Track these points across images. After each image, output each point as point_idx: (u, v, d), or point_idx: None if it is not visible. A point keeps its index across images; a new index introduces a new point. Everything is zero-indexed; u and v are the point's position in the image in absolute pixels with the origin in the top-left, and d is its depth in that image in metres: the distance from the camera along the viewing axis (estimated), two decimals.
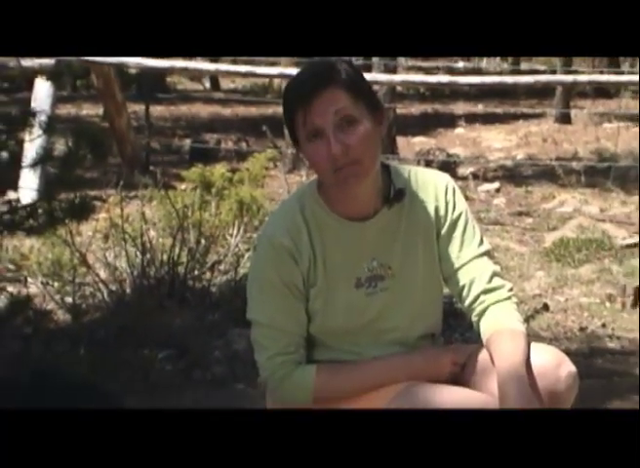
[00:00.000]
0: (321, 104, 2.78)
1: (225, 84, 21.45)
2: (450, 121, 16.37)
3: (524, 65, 24.30)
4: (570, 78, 13.13)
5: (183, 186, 7.41)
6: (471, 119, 16.47)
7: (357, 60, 18.08)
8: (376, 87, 11.16)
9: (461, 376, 2.98)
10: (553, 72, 17.69)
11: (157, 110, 14.99)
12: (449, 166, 10.98)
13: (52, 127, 5.94)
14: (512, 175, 12.18)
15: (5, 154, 5.50)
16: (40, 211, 5.58)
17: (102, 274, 6.17)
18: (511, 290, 3.01)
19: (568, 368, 2.92)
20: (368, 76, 11.21)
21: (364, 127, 2.81)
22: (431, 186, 3.03)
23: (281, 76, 10.71)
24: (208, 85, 21.53)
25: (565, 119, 16.47)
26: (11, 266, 6.26)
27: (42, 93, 9.36)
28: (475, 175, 11.35)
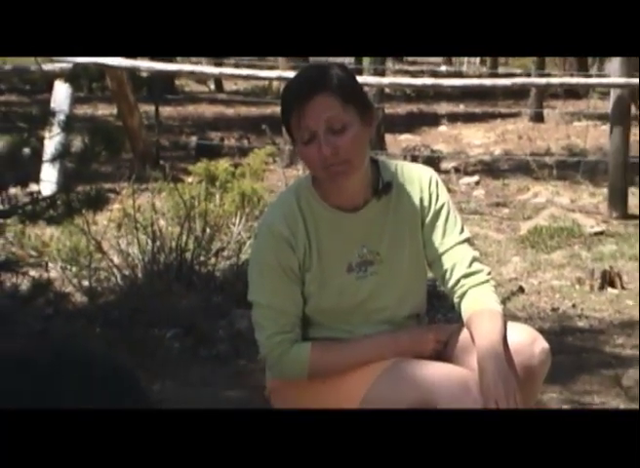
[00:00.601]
0: (314, 110, 2.80)
1: (228, 86, 21.40)
2: (433, 120, 16.36)
3: (501, 69, 24.28)
4: (543, 81, 13.16)
5: (190, 179, 7.39)
6: (453, 118, 16.45)
7: (349, 64, 18.07)
8: (366, 88, 11.15)
9: (444, 353, 2.99)
10: (528, 75, 17.66)
11: (166, 110, 14.96)
12: (433, 161, 10.95)
13: (69, 125, 5.95)
14: (490, 169, 12.18)
15: (27, 150, 5.50)
16: (59, 202, 5.58)
17: (116, 260, 6.17)
18: (490, 274, 3.02)
19: (541, 344, 2.93)
20: (359, 79, 11.18)
21: (353, 130, 2.83)
22: (416, 179, 3.04)
23: (279, 79, 10.69)
24: (212, 87, 21.49)
25: (538, 118, 16.46)
26: (33, 253, 6.26)
27: (61, 94, 9.34)
28: (457, 170, 11.34)
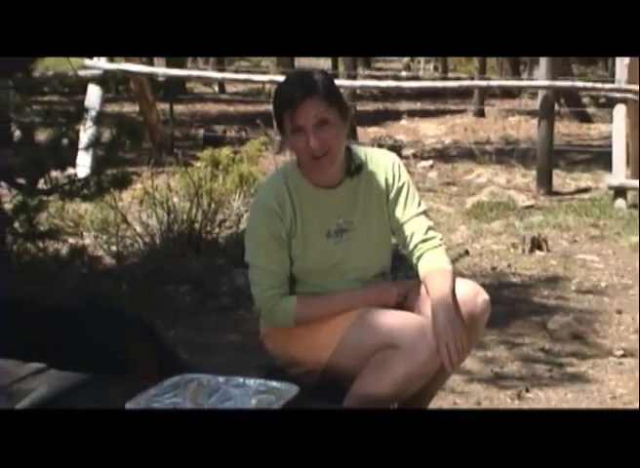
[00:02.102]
0: (304, 109, 2.79)
1: (229, 88, 21.25)
2: (396, 115, 16.31)
3: (451, 74, 24.20)
4: (484, 83, 13.17)
5: (198, 164, 7.34)
6: (412, 114, 16.40)
7: (327, 70, 17.97)
8: (341, 90, 11.08)
9: (404, 304, 2.98)
10: (472, 79, 17.65)
11: (179, 108, 14.84)
12: (395, 148, 10.87)
13: (100, 120, 5.95)
14: (442, 155, 12.16)
15: (66, 141, 5.50)
16: (92, 182, 5.57)
17: (138, 229, 6.15)
18: (442, 239, 3.02)
19: (483, 296, 2.92)
20: (336, 82, 11.12)
21: (335, 126, 2.83)
22: (382, 162, 3.03)
23: (270, 82, 10.63)
24: (217, 89, 21.36)
25: (480, 114, 16.45)
26: (70, 224, 6.22)
27: (93, 95, 9.30)
28: (415, 155, 11.32)
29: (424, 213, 3.03)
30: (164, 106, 12.52)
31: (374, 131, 13.99)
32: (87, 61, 9.91)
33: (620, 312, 5.42)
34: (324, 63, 21.36)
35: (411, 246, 2.98)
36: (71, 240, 5.89)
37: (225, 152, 7.01)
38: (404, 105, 17.62)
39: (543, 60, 9.46)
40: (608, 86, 9.62)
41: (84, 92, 9.46)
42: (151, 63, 17.34)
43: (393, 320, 2.82)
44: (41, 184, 5.44)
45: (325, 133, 2.81)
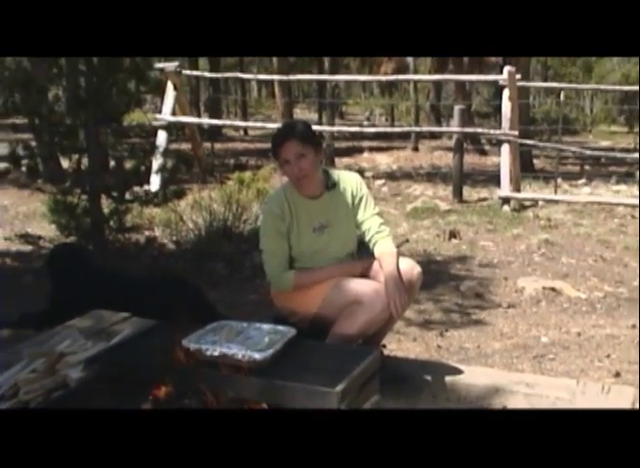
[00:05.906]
0: (287, 148, 2.80)
1: (251, 132, 21.20)
2: (360, 150, 16.29)
3: (396, 123, 24.15)
4: (418, 129, 13.23)
5: (230, 182, 7.32)
6: (371, 149, 16.38)
7: (312, 121, 17.88)
8: (324, 133, 11.11)
9: (367, 274, 2.97)
10: (410, 126, 17.63)
11: (217, 146, 14.77)
12: (360, 172, 10.79)
13: (166, 154, 5.94)
14: (391, 176, 12.13)
15: (143, 167, 5.53)
16: (160, 194, 5.56)
17: (190, 225, 6.12)
18: (390, 231, 3.01)
19: (417, 269, 2.92)
20: (320, 127, 11.08)
21: (309, 158, 2.82)
22: (349, 180, 3.04)
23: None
24: (242, 133, 21.30)
25: (416, 149, 16.45)
26: (146, 222, 6.20)
27: (161, 137, 9.24)
28: (373, 176, 11.31)
29: (378, 213, 3.03)
30: (207, 145, 12.45)
31: (346, 160, 13.95)
32: (157, 116, 9.89)
33: (506, 279, 5.43)
34: (313, 116, 21.31)
35: (369, 236, 2.98)
36: (146, 233, 5.87)
37: (248, 174, 6.99)
38: (366, 143, 17.59)
39: (456, 115, 9.49)
40: (497, 131, 9.63)
41: (155, 135, 9.40)
42: (199, 116, 17.25)
43: (358, 285, 2.81)
44: (127, 196, 5.44)
45: (302, 163, 2.80)
